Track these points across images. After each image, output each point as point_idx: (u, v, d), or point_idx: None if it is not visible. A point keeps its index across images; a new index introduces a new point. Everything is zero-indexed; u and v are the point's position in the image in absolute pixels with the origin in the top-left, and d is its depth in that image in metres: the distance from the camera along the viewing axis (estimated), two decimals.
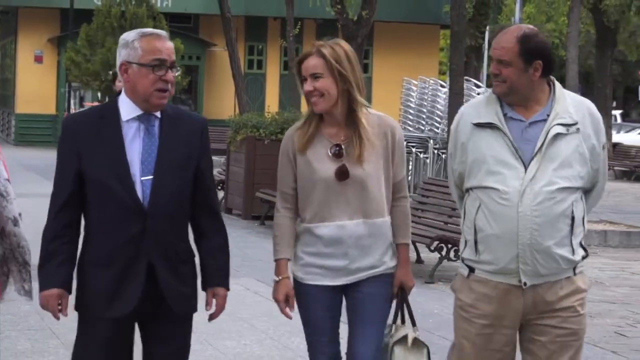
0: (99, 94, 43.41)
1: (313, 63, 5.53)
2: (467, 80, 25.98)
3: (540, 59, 5.30)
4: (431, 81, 30.34)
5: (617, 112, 55.59)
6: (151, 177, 5.18)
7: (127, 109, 5.24)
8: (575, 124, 5.32)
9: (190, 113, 5.75)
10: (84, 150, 5.18)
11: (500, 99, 5.40)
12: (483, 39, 47.82)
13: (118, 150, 5.16)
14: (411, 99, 30.44)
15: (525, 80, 5.31)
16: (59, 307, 5.21)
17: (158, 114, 5.27)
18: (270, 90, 47.88)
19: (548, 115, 5.34)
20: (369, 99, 38.91)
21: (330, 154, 5.56)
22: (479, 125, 5.37)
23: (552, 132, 5.28)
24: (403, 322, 5.77)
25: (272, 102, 43.38)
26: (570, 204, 5.29)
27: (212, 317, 5.44)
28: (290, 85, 34.23)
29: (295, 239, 5.67)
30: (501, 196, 5.24)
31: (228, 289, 5.46)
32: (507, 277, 5.30)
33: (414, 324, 5.76)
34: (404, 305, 5.82)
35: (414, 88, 30.51)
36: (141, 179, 5.18)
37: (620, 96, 65.55)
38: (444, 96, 26.90)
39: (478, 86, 28.40)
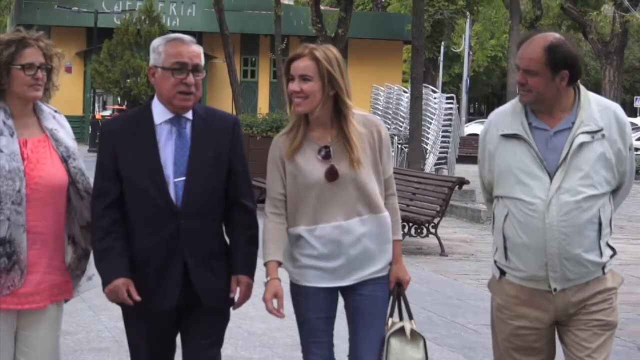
0: (118, 99, 43.45)
1: (304, 64, 4.73)
2: (425, 86, 25.99)
3: (567, 68, 4.51)
4: (395, 87, 30.33)
5: None
6: (184, 178, 4.59)
7: (159, 112, 4.65)
8: (601, 130, 4.55)
9: (221, 112, 4.98)
10: (119, 152, 4.60)
11: (526, 108, 4.64)
12: (439, 52, 47.92)
13: (152, 153, 4.59)
14: (379, 103, 30.44)
15: (552, 90, 4.53)
16: (127, 294, 4.56)
17: (190, 115, 4.67)
18: (261, 95, 47.94)
19: (573, 123, 4.56)
20: None
21: (319, 156, 4.78)
22: (506, 136, 4.63)
23: (577, 141, 4.51)
24: (401, 317, 4.98)
25: (263, 105, 43.55)
26: (597, 210, 4.55)
27: (236, 305, 4.84)
28: (278, 91, 34.28)
29: (291, 243, 4.86)
30: (528, 207, 4.53)
31: (252, 278, 4.78)
32: (536, 283, 4.61)
33: (410, 317, 4.97)
34: (400, 300, 5.04)
35: (381, 93, 30.54)
36: (174, 180, 4.58)
37: None
38: (406, 100, 26.89)
39: (434, 91, 28.45)
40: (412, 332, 4.86)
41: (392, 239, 4.94)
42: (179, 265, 4.59)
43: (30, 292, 4.53)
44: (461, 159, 30.19)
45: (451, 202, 16.28)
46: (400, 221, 5.14)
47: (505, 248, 4.66)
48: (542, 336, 4.72)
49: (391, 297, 4.98)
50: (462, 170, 25.79)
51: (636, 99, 55.99)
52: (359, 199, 4.79)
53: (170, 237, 4.57)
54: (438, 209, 14.48)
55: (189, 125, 4.66)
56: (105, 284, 4.57)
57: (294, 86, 4.73)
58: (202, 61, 4.68)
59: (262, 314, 8.35)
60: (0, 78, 4.53)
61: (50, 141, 4.63)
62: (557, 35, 4.61)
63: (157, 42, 4.72)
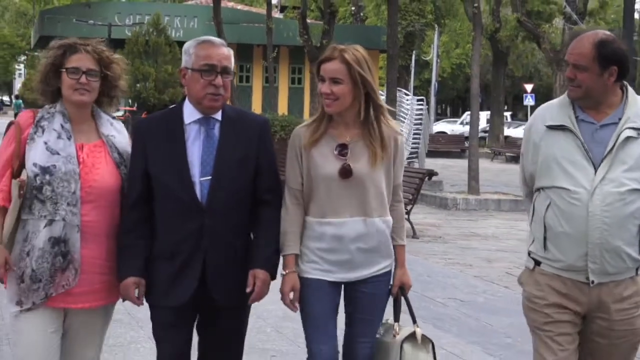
0: (129, 101, 43.36)
1: (335, 67, 4.29)
2: (399, 90, 25.99)
3: (616, 64, 4.06)
4: None
5: (507, 114, 55.86)
6: (209, 177, 4.18)
7: (189, 112, 4.26)
8: None
9: (251, 114, 4.62)
10: (149, 150, 4.24)
11: (574, 103, 4.19)
12: (410, 59, 47.89)
13: (179, 152, 4.20)
14: None
15: (600, 85, 4.08)
16: (137, 294, 4.29)
17: (219, 116, 4.28)
18: (255, 98, 47.80)
19: (619, 119, 4.11)
20: None
21: (335, 152, 4.33)
22: (552, 128, 4.17)
23: (623, 135, 4.06)
24: (397, 319, 4.54)
25: (256, 107, 43.45)
26: None
27: (251, 300, 4.34)
28: (270, 94, 34.21)
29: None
30: (572, 196, 4.06)
31: (272, 275, 4.34)
32: (574, 273, 4.12)
33: (414, 321, 4.53)
34: (401, 304, 4.61)
35: None
36: (200, 180, 4.18)
37: (510, 102, 65.77)
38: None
39: (407, 94, 28.48)
40: (423, 336, 4.47)
41: (396, 243, 4.52)
42: (199, 261, 4.20)
43: (85, 291, 4.22)
44: (430, 154, 30.28)
45: (422, 191, 16.31)
46: (405, 227, 4.64)
47: (545, 238, 4.18)
48: (575, 327, 4.21)
49: (395, 301, 4.57)
50: (431, 164, 25.88)
51: None
52: (367, 199, 4.34)
53: (194, 234, 4.19)
54: (410, 197, 14.53)
55: (217, 125, 4.27)
56: (119, 280, 4.28)
57: (325, 88, 4.31)
58: (232, 64, 4.31)
59: None
60: (49, 79, 4.25)
61: (106, 147, 4.30)
62: (607, 32, 4.17)
63: (188, 45, 4.32)
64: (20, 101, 53.66)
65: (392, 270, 4.54)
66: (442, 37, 53.76)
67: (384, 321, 4.56)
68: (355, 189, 4.33)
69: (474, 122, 21.27)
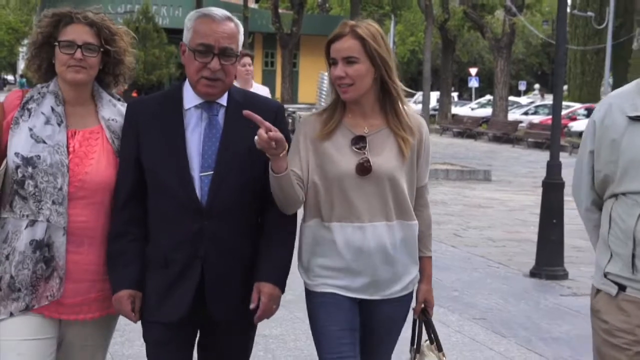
0: None
1: (348, 45, 3.17)
2: None
3: None
4: None
5: (454, 94, 55.93)
6: (211, 172, 3.10)
7: (190, 96, 3.18)
8: None
9: (263, 99, 3.37)
10: (143, 136, 3.15)
11: None
12: None
13: (177, 142, 3.11)
14: (324, 86, 30.39)
15: None
16: (132, 308, 3.17)
17: (224, 101, 3.18)
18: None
19: None
20: (296, 89, 39.16)
21: (352, 146, 3.22)
22: (636, 119, 2.94)
23: None
24: (415, 344, 3.46)
25: None
26: None
27: (257, 318, 3.19)
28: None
29: (306, 243, 3.29)
30: None
31: (280, 287, 3.20)
32: None
33: (439, 348, 3.44)
34: (422, 327, 3.48)
35: (326, 79, 30.42)
36: (200, 175, 3.10)
37: (457, 84, 65.88)
38: None
39: None
40: None
41: (422, 255, 3.42)
42: (197, 270, 3.12)
43: (78, 302, 3.20)
44: None
45: None
46: (432, 236, 3.52)
47: (633, 256, 2.95)
48: None
49: (416, 324, 3.47)
50: None
51: (520, 83, 56.56)
52: (389, 200, 3.23)
53: (192, 239, 3.10)
54: None
55: (222, 112, 3.18)
56: (112, 291, 3.20)
57: (338, 71, 3.20)
58: (237, 43, 3.16)
59: None
60: (42, 53, 3.24)
61: (105, 132, 3.23)
62: None
63: (189, 17, 3.21)
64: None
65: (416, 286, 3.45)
66: (398, 27, 53.71)
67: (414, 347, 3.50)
68: (374, 187, 3.22)
69: (425, 101, 21.34)
